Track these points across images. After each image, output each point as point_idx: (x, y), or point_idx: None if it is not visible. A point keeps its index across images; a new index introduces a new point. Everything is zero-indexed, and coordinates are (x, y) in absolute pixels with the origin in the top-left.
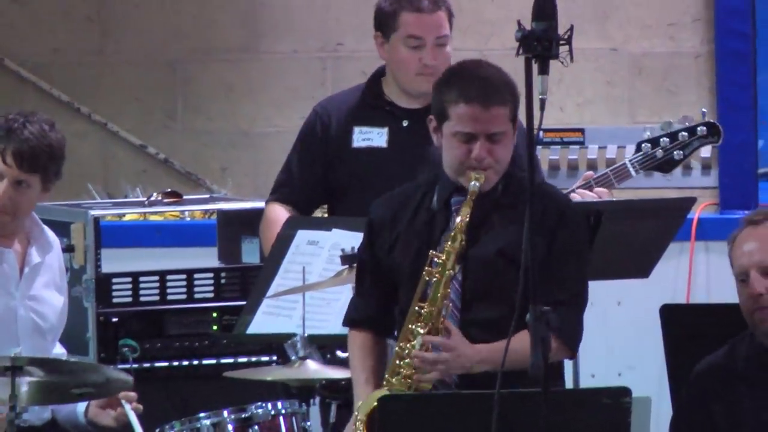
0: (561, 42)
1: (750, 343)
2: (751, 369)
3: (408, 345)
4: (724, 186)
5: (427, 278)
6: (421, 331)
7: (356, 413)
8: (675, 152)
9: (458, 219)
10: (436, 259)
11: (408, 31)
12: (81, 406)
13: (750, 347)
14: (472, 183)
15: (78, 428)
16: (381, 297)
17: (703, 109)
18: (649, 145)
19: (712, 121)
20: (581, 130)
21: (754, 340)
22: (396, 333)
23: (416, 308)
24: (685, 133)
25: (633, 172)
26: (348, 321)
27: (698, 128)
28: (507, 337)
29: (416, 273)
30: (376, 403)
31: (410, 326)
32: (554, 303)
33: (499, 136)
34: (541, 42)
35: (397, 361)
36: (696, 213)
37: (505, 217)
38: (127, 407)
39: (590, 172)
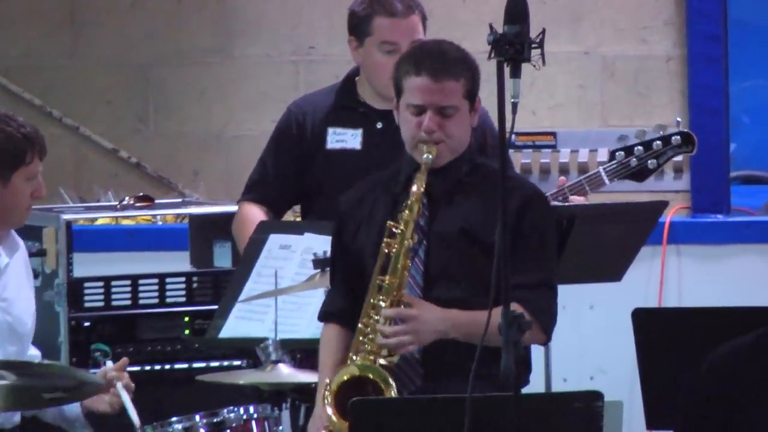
0: (533, 45)
1: None
2: None
3: (371, 321)
4: (696, 189)
5: (386, 250)
6: (383, 305)
7: (326, 386)
8: (649, 161)
9: (414, 188)
10: (394, 230)
11: (382, 36)
12: None
13: None
14: (425, 156)
15: (69, 423)
16: (350, 289)
17: (678, 118)
18: (622, 153)
19: (686, 130)
20: (553, 134)
21: None
22: None
23: (377, 282)
24: (659, 142)
25: (606, 181)
26: (321, 315)
27: (672, 137)
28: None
29: (377, 250)
30: (346, 377)
31: (372, 301)
32: (529, 285)
33: (451, 111)
34: (513, 45)
35: (360, 338)
36: (668, 216)
37: (467, 197)
38: (120, 387)
39: (563, 178)
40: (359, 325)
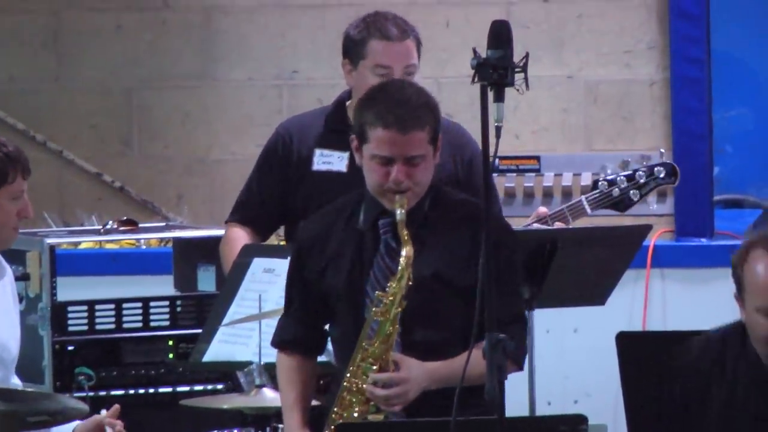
0: (516, 69)
1: (743, 352)
2: (738, 375)
3: (358, 382)
4: (680, 213)
5: (375, 318)
6: (373, 368)
7: None
8: (631, 191)
9: (403, 255)
10: (383, 299)
11: (376, 60)
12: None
13: (743, 357)
14: (398, 212)
15: None
16: (310, 319)
17: (661, 149)
18: (605, 183)
19: (670, 162)
20: (537, 158)
21: (748, 351)
22: (332, 354)
23: (363, 345)
24: (642, 173)
25: (588, 210)
26: (276, 343)
27: (656, 169)
28: (452, 356)
29: (350, 295)
30: None
31: (360, 363)
32: (505, 321)
33: (418, 159)
34: (497, 69)
35: (346, 395)
36: (652, 240)
37: (435, 236)
38: None
39: (544, 209)
40: (344, 383)
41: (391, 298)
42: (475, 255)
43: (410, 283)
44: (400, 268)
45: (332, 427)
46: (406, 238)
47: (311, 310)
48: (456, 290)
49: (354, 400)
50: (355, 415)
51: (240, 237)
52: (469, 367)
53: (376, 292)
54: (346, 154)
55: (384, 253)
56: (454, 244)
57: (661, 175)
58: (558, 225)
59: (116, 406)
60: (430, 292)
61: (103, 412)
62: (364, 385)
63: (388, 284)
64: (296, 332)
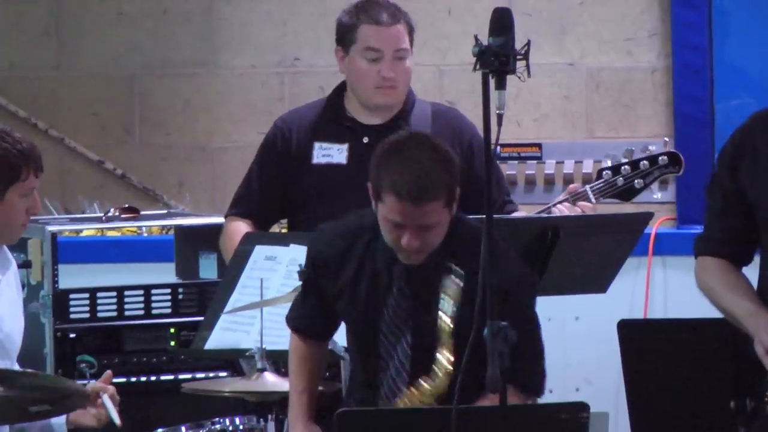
0: (518, 57)
1: None
2: None
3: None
4: (682, 201)
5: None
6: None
7: None
8: (636, 180)
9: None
10: (423, 383)
11: (366, 43)
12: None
13: None
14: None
15: None
16: (325, 313)
17: (666, 138)
18: (609, 172)
19: (673, 151)
20: (538, 145)
21: None
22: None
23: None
24: (646, 162)
25: (593, 200)
26: (292, 327)
27: (660, 158)
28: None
29: (361, 326)
30: None
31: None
32: (522, 369)
33: (432, 225)
34: (499, 57)
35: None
36: (653, 228)
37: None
38: (106, 398)
39: (574, 186)
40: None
41: (431, 390)
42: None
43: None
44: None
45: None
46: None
47: (324, 308)
48: (467, 339)
49: None
50: None
51: (241, 230)
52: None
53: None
54: (345, 146)
55: (397, 296)
56: (467, 288)
57: (665, 164)
58: (560, 207)
59: (108, 372)
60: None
61: (93, 381)
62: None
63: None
64: (311, 322)
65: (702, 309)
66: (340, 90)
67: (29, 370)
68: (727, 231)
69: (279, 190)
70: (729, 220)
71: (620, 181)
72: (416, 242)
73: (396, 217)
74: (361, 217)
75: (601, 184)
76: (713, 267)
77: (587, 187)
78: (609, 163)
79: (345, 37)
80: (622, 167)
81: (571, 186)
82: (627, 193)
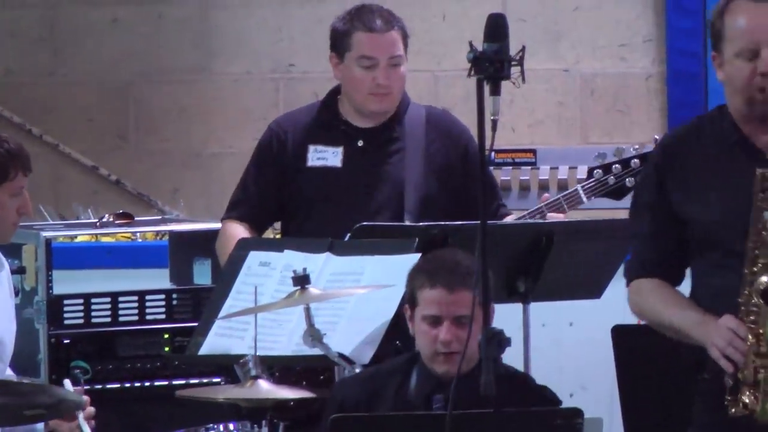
0: (513, 63)
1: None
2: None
3: None
4: None
5: None
6: None
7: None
8: (627, 179)
9: None
10: None
11: (361, 51)
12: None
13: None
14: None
15: None
16: None
17: (656, 136)
18: (600, 171)
19: None
20: (533, 151)
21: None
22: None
23: None
24: (636, 160)
25: (584, 198)
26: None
27: (650, 155)
28: None
29: None
30: None
31: None
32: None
33: (466, 320)
34: (493, 63)
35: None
36: None
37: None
38: (81, 418)
39: (546, 194)
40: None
41: None
42: None
43: None
44: None
45: None
46: None
47: None
48: None
49: None
50: None
51: (238, 233)
52: None
53: None
54: (339, 149)
55: None
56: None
57: None
58: (553, 215)
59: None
60: None
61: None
62: None
63: None
64: None
65: None
66: (335, 93)
67: (24, 381)
68: (660, 252)
69: (274, 192)
70: (661, 241)
71: (611, 179)
72: (452, 336)
73: (431, 310)
74: (391, 363)
75: (593, 183)
76: (651, 286)
77: (578, 186)
78: (600, 162)
79: (339, 43)
80: (613, 166)
81: (545, 195)
82: (619, 192)
